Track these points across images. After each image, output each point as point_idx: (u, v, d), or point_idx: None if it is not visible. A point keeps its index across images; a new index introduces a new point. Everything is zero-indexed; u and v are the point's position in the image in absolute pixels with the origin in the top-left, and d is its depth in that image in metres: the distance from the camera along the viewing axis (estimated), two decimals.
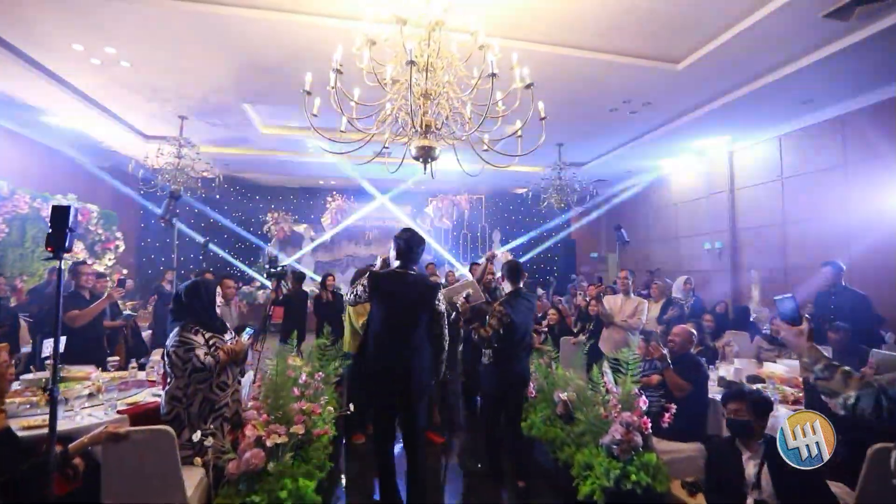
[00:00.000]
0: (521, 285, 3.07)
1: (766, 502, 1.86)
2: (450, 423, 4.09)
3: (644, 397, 2.41)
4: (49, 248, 1.49)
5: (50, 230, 1.49)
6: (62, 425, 2.12)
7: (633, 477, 2.18)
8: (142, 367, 3.05)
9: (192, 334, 2.08)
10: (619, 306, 3.84)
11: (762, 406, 2.06)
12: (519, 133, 3.12)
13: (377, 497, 2.70)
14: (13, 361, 1.79)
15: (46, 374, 2.49)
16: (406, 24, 2.53)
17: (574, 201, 7.65)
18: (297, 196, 11.48)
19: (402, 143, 3.11)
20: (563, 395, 2.81)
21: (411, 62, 2.17)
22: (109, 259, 7.64)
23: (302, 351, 4.82)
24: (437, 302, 2.57)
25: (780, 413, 2.43)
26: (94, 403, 2.31)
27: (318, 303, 4.99)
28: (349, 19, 3.98)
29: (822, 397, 1.24)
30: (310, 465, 2.21)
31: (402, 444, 2.62)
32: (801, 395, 2.68)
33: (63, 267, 1.54)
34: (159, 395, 2.31)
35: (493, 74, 2.28)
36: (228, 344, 2.20)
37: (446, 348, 2.63)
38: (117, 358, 3.01)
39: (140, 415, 2.30)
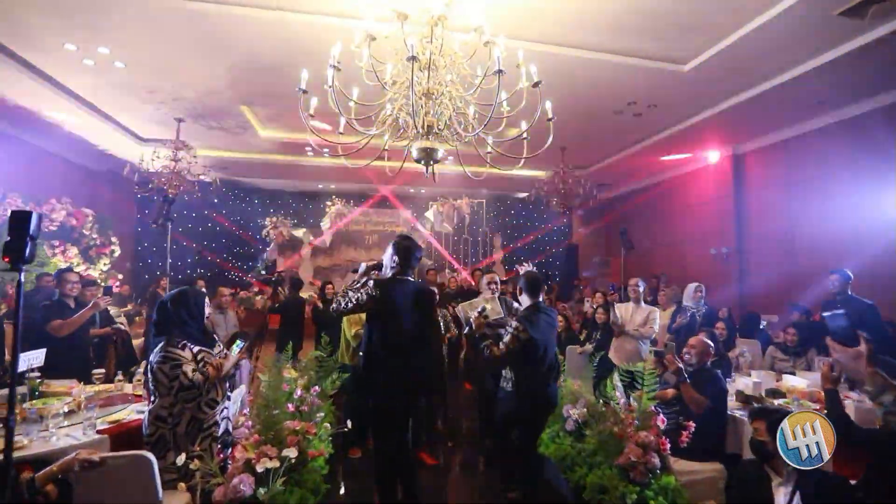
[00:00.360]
0: (541, 299, 2.74)
1: None
2: (453, 439, 3.89)
3: (662, 415, 2.26)
4: (6, 258, 1.34)
5: (8, 237, 1.34)
6: (36, 447, 1.98)
7: (652, 502, 2.03)
8: (130, 379, 2.90)
9: (178, 349, 1.93)
10: (631, 315, 3.70)
11: None
12: (525, 135, 3.00)
13: None
14: None
15: (24, 388, 2.35)
16: (407, 19, 2.41)
17: (576, 205, 7.52)
18: (296, 200, 11.35)
19: (403, 145, 2.99)
20: (575, 412, 2.65)
21: (413, 58, 2.04)
22: (104, 264, 7.50)
23: (300, 359, 4.69)
24: (434, 309, 2.59)
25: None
26: (73, 422, 2.16)
27: (317, 310, 4.85)
28: (349, 18, 3.87)
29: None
30: (304, 489, 2.06)
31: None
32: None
33: (24, 279, 1.39)
34: (144, 412, 2.16)
35: (500, 71, 2.15)
36: (217, 358, 2.05)
37: (444, 359, 2.60)
38: (102, 370, 2.86)
39: (122, 435, 2.16)
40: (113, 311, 6.89)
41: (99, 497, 1.67)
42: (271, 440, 2.04)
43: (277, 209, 11.18)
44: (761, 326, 5.24)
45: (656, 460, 2.12)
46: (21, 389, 2.31)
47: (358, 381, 3.17)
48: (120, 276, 7.85)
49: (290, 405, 2.44)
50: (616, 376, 2.75)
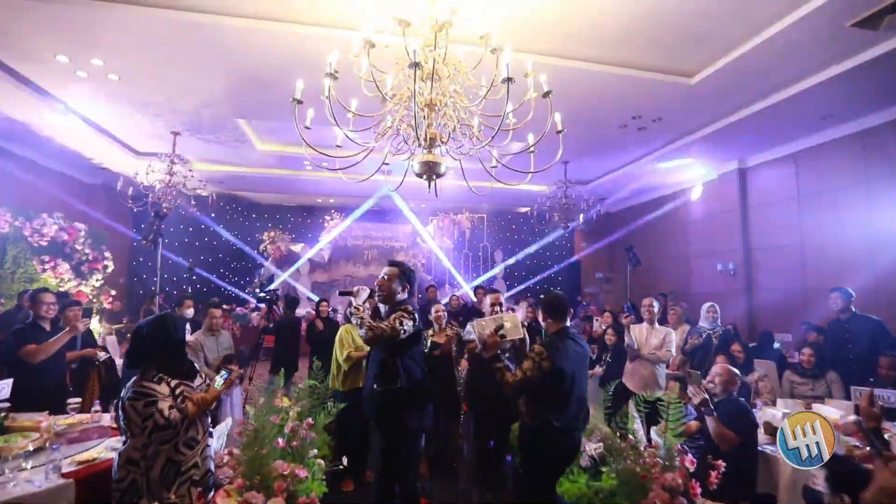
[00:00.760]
0: (569, 323, 2.38)
1: None
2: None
3: (691, 455, 2.05)
4: None
5: None
6: None
7: None
8: (107, 408, 2.68)
9: (153, 383, 1.73)
10: (646, 337, 3.48)
11: (853, 477, 1.47)
12: (532, 148, 2.86)
13: None
14: None
15: None
16: (409, 26, 2.27)
17: (580, 220, 7.38)
18: (294, 214, 11.20)
19: (405, 159, 2.84)
20: (591, 447, 2.43)
21: (416, 64, 1.89)
22: (97, 280, 7.29)
23: (293, 382, 4.46)
24: None
25: None
26: (37, 463, 1.95)
27: (312, 330, 4.64)
28: (348, 29, 3.76)
29: None
30: None
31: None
32: (867, 448, 2.31)
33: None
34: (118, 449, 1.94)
35: (509, 79, 2.00)
36: (198, 392, 1.85)
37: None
38: (79, 400, 2.63)
39: (91, 478, 1.94)
40: (103, 328, 6.69)
41: None
42: (257, 485, 1.83)
43: (275, 224, 11.03)
44: (775, 345, 5.03)
45: None
46: None
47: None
48: (113, 292, 7.64)
49: (280, 439, 2.23)
50: (633, 406, 2.54)
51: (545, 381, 2.15)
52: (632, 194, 9.81)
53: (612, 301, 9.80)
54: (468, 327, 2.97)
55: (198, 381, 1.94)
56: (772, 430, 2.48)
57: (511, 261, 11.56)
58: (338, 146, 2.85)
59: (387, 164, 2.97)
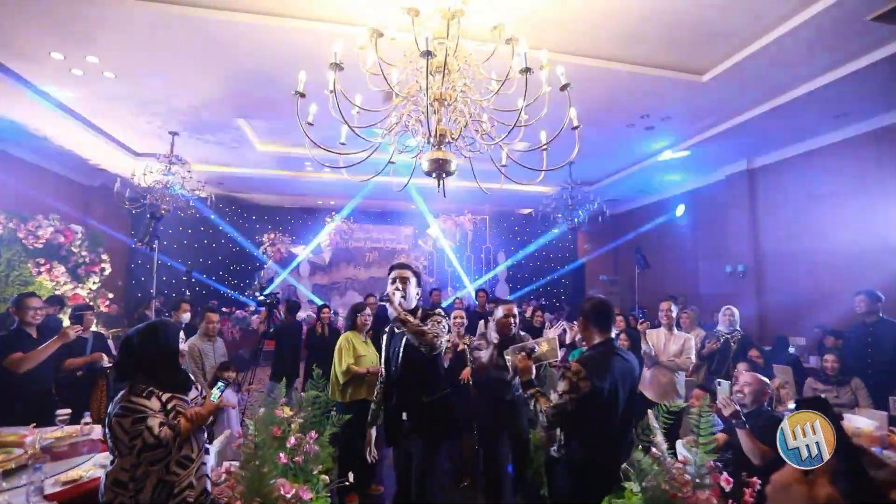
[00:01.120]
0: (614, 335, 2.00)
1: None
2: None
3: (726, 474, 1.90)
4: None
5: None
6: None
7: None
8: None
9: (142, 398, 1.58)
10: (664, 343, 3.33)
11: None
12: (546, 146, 2.73)
13: None
14: None
15: None
16: (418, 14, 2.14)
17: (585, 221, 7.25)
18: (294, 216, 11.06)
19: (412, 157, 2.70)
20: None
21: (428, 53, 1.76)
22: (94, 283, 7.15)
23: (295, 388, 4.31)
24: None
25: None
26: (17, 483, 1.80)
27: (312, 336, 4.49)
28: (351, 25, 3.63)
29: None
30: None
31: None
32: None
33: None
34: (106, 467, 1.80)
35: (527, 69, 1.87)
36: (193, 407, 1.70)
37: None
38: (68, 411, 2.48)
39: (76, 500, 1.80)
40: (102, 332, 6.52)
41: None
42: None
43: (275, 226, 10.90)
44: (790, 350, 4.89)
45: None
46: None
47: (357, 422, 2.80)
48: (111, 295, 7.50)
49: (282, 455, 2.09)
50: (653, 417, 2.39)
51: (585, 403, 1.79)
52: (637, 195, 9.68)
53: (617, 303, 9.65)
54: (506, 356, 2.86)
55: (193, 393, 1.79)
56: None
57: (509, 261, 11.39)
58: (342, 143, 2.72)
59: (392, 162, 2.84)
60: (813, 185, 6.25)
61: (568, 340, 4.05)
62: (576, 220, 7.00)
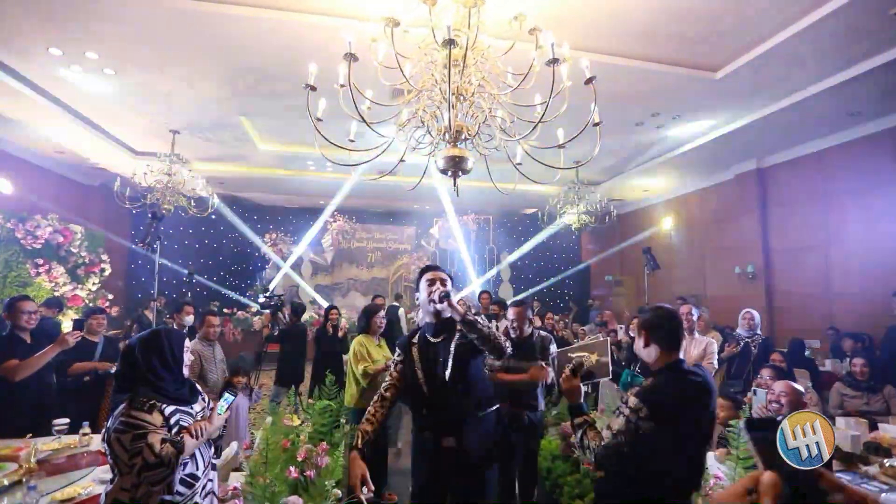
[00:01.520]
0: (682, 355, 1.59)
1: None
2: None
3: None
4: None
5: None
6: None
7: None
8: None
9: (144, 412, 1.47)
10: (686, 348, 3.22)
11: None
12: (563, 144, 2.62)
13: None
14: None
15: None
16: (435, 4, 2.03)
17: (592, 222, 7.14)
18: (296, 217, 10.94)
19: (427, 154, 2.59)
20: None
21: (451, 41, 1.65)
22: (93, 283, 7.04)
23: (300, 393, 4.20)
24: None
25: None
26: (11, 502, 1.69)
27: (322, 338, 4.37)
28: (357, 19, 3.52)
29: None
30: None
31: None
32: None
33: None
34: (108, 481, 1.69)
35: (555, 60, 1.75)
36: (199, 421, 1.59)
37: None
38: (66, 420, 2.35)
39: None
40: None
41: None
42: None
43: (277, 226, 10.78)
44: (806, 353, 4.78)
45: None
46: None
47: None
48: (110, 297, 7.39)
49: (292, 469, 1.97)
50: None
51: (643, 445, 1.43)
52: (644, 195, 9.57)
53: (622, 304, 9.53)
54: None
55: (198, 406, 1.68)
56: (842, 454, 2.21)
57: (509, 257, 11.23)
58: (351, 140, 2.61)
59: (403, 160, 2.73)
60: (825, 184, 6.14)
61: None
62: (582, 219, 6.90)
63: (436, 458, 1.88)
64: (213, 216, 7.92)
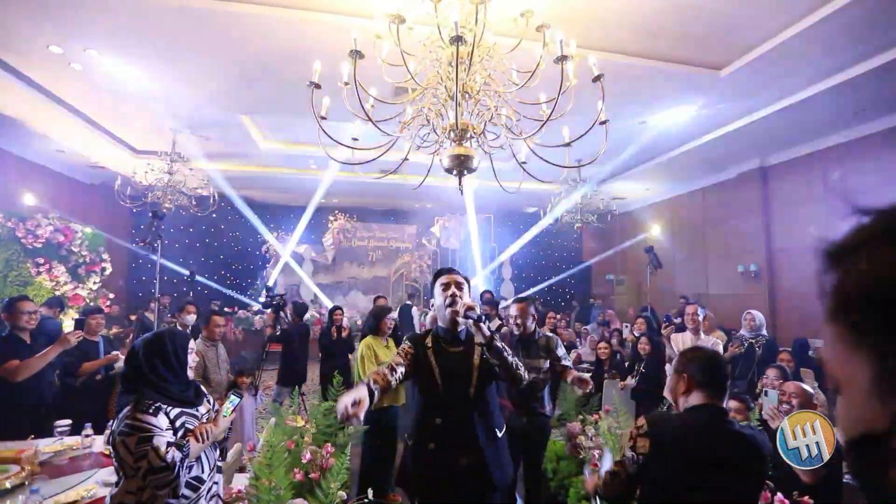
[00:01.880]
0: (727, 402, 1.41)
1: None
2: None
3: (780, 495, 1.77)
4: None
5: None
6: None
7: None
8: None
9: (149, 415, 1.45)
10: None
11: None
12: (569, 143, 2.60)
13: None
14: None
15: None
16: (441, 0, 2.00)
17: (594, 220, 7.12)
18: (297, 215, 10.91)
19: (431, 153, 2.57)
20: None
21: (458, 38, 1.62)
22: (94, 283, 7.02)
23: (304, 393, 4.18)
24: None
25: None
26: None
27: (325, 340, 4.35)
28: (358, 16, 3.49)
29: None
30: None
31: None
32: None
33: None
34: (112, 484, 1.67)
35: (564, 58, 1.72)
36: (204, 423, 1.57)
37: None
38: (68, 421, 2.33)
39: None
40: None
41: None
42: None
43: (278, 224, 10.76)
44: (810, 353, 4.75)
45: None
46: None
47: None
48: (111, 296, 7.37)
49: (296, 471, 1.95)
50: None
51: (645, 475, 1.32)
52: (646, 193, 9.54)
53: (625, 304, 9.51)
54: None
55: (203, 408, 1.66)
56: None
57: (511, 251, 11.20)
58: (354, 139, 2.59)
59: (407, 159, 2.70)
60: (829, 183, 6.11)
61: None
62: (584, 219, 6.88)
63: (450, 475, 1.76)
64: (214, 215, 7.91)
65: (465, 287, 1.91)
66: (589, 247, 11.64)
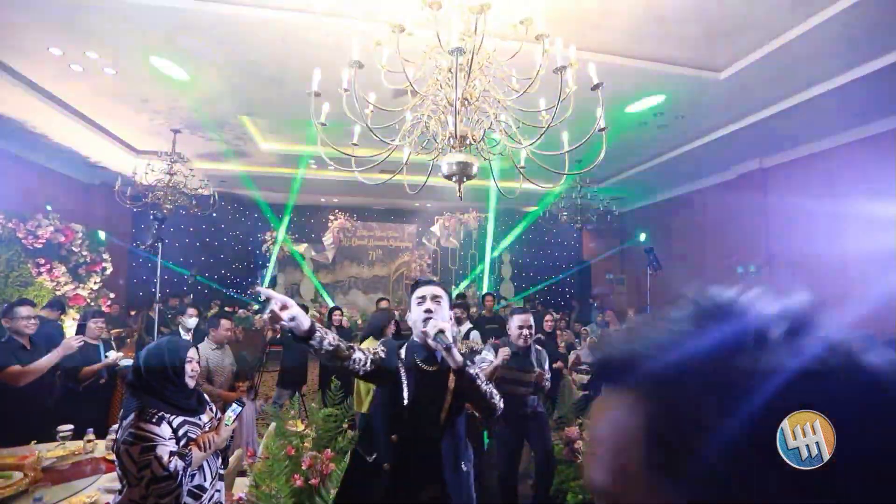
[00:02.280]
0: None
1: None
2: None
3: None
4: None
5: None
6: None
7: None
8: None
9: (152, 423, 1.46)
10: None
11: None
12: (570, 150, 2.60)
13: None
14: None
15: None
16: (441, 8, 2.01)
17: (593, 220, 7.13)
18: (297, 214, 10.92)
19: (429, 159, 2.58)
20: None
21: (458, 49, 1.63)
22: (95, 283, 7.04)
23: (303, 395, 4.20)
24: None
25: None
26: None
27: None
28: (361, 20, 3.48)
29: None
30: None
31: None
32: None
33: None
34: (115, 491, 1.69)
35: (563, 67, 1.73)
36: (206, 432, 1.59)
37: None
38: (70, 426, 2.34)
39: None
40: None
41: None
42: None
43: (277, 224, 10.77)
44: None
45: None
46: None
47: None
48: (112, 295, 7.39)
49: (297, 477, 1.97)
50: None
51: None
52: (645, 193, 9.54)
53: (624, 303, 9.53)
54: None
55: (206, 416, 1.67)
56: None
57: (502, 245, 11.21)
58: (354, 144, 2.59)
59: (406, 163, 2.71)
60: (829, 184, 6.11)
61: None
62: (583, 219, 6.90)
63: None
64: (214, 214, 7.91)
65: (444, 300, 1.72)
66: (589, 247, 11.65)
